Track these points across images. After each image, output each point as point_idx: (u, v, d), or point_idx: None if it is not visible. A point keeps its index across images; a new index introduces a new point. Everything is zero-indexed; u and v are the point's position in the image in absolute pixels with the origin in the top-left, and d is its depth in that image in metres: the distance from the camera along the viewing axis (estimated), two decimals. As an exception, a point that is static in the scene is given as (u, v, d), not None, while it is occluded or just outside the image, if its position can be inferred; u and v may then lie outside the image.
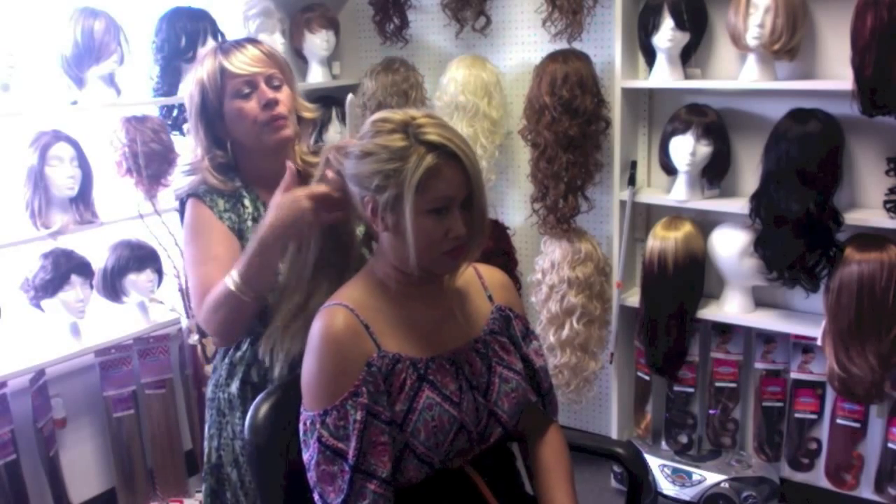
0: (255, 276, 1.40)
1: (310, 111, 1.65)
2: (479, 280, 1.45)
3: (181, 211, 1.60)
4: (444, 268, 1.31)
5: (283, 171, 1.59)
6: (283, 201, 1.38)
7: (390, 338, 1.29)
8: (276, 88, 1.55)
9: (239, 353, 1.61)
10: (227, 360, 1.63)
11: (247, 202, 1.58)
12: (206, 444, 1.70)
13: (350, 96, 1.69)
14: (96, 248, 2.49)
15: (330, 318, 1.27)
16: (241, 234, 1.55)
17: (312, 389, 1.26)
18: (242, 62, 1.52)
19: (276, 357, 1.40)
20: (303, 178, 1.63)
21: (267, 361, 1.42)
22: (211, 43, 2.61)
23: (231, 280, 1.40)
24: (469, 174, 1.23)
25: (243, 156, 1.60)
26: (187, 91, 1.57)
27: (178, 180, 1.65)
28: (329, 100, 3.11)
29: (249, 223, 1.56)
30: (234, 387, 1.61)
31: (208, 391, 1.69)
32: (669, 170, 2.55)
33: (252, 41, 1.59)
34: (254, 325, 1.56)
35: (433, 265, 1.28)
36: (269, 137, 1.54)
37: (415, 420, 1.26)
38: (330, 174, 1.35)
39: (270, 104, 1.52)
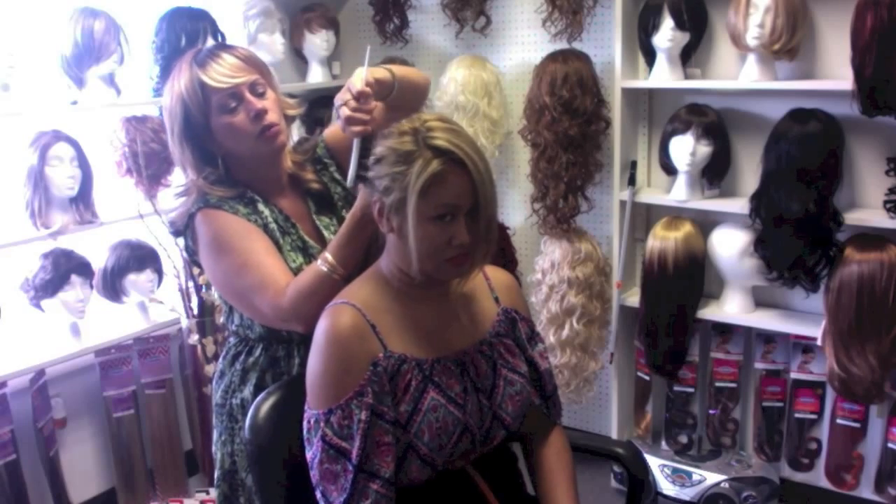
0: (350, 253, 1.40)
1: (293, 108, 1.60)
2: (485, 281, 1.45)
3: (184, 232, 1.53)
4: (446, 275, 1.30)
5: (274, 177, 1.57)
6: None
7: (396, 338, 1.29)
8: (261, 95, 1.49)
9: (252, 359, 1.59)
10: (237, 366, 1.60)
11: (261, 206, 1.53)
12: (216, 450, 1.66)
13: (369, 47, 1.54)
14: (96, 248, 2.49)
15: (336, 317, 1.27)
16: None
17: (317, 388, 1.26)
18: (222, 74, 1.44)
19: None
20: (292, 178, 1.62)
21: None
22: (211, 43, 2.61)
23: (325, 263, 1.39)
24: (476, 183, 1.22)
25: (238, 166, 1.54)
26: (166, 105, 1.50)
27: (172, 203, 1.58)
28: (329, 100, 3.11)
29: (273, 225, 1.52)
30: (248, 391, 1.58)
31: (217, 397, 1.64)
32: (669, 170, 2.55)
33: (226, 47, 1.51)
34: (270, 330, 1.54)
35: (435, 271, 1.27)
36: (265, 148, 1.50)
37: (419, 421, 1.26)
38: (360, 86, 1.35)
39: (260, 115, 1.47)
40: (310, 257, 1.52)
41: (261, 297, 1.43)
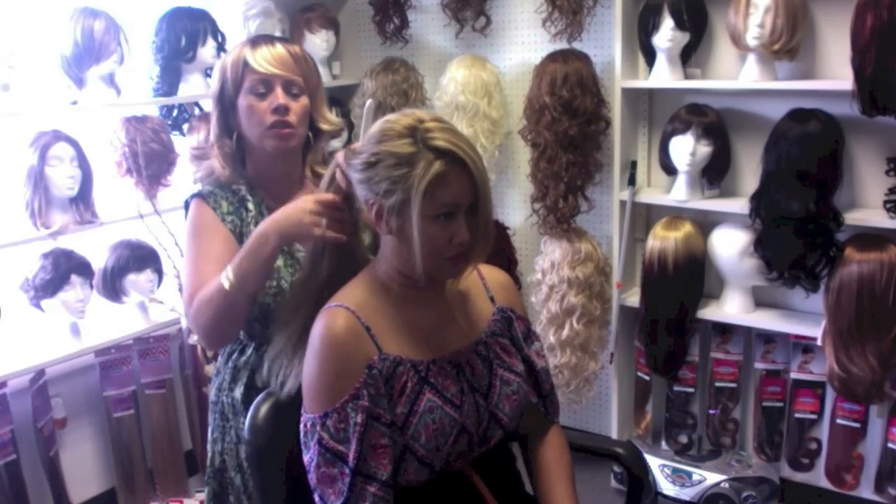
0: (249, 274, 1.38)
1: (330, 124, 1.63)
2: (481, 281, 1.45)
3: (187, 209, 1.59)
4: (446, 273, 1.31)
5: (285, 176, 1.60)
6: (290, 205, 1.37)
7: (391, 340, 1.29)
8: (294, 96, 1.53)
9: (243, 358, 1.60)
10: (230, 365, 1.62)
11: (250, 205, 1.56)
12: (209, 447, 1.68)
13: (370, 101, 1.59)
14: (96, 248, 2.49)
15: (331, 320, 1.26)
16: (241, 238, 1.53)
17: (313, 392, 1.25)
18: (265, 60, 1.50)
19: (284, 375, 1.36)
20: (308, 186, 1.63)
21: (272, 383, 1.37)
22: (211, 43, 2.61)
23: (226, 277, 1.38)
24: (476, 181, 1.23)
25: (248, 153, 1.59)
26: (215, 69, 1.59)
27: (194, 168, 1.66)
28: (329, 100, 3.11)
29: (252, 227, 1.53)
30: (238, 392, 1.60)
31: (211, 394, 1.67)
32: (669, 170, 2.55)
33: (285, 41, 1.57)
34: (257, 329, 1.56)
35: (436, 270, 1.27)
36: (271, 143, 1.53)
37: (416, 423, 1.26)
38: (339, 176, 1.34)
39: (280, 110, 1.50)
40: (294, 260, 1.56)
41: (184, 296, 1.49)
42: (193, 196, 1.56)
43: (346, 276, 1.36)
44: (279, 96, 1.51)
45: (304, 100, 1.55)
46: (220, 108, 1.56)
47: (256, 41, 1.54)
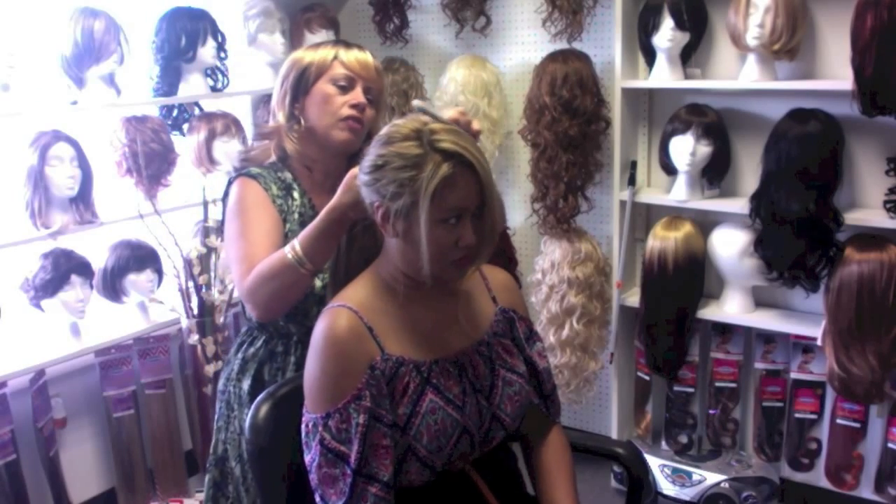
0: (319, 248, 1.39)
1: None
2: (483, 281, 1.45)
3: (228, 186, 1.61)
4: (450, 275, 1.30)
5: (329, 175, 1.62)
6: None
7: (394, 340, 1.29)
8: (369, 102, 1.58)
9: (252, 350, 1.62)
10: (240, 355, 1.64)
11: (296, 194, 1.59)
12: (214, 434, 1.71)
13: (416, 102, 1.58)
14: (96, 248, 2.49)
15: (333, 320, 1.26)
16: (286, 223, 1.56)
17: (315, 392, 1.25)
18: (357, 60, 1.57)
19: None
20: None
21: None
22: (211, 43, 2.62)
23: (292, 251, 1.39)
24: (483, 183, 1.23)
25: (301, 142, 1.60)
26: (290, 60, 1.60)
27: (247, 147, 1.67)
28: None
29: (296, 216, 1.57)
30: (246, 384, 1.62)
31: (220, 383, 1.70)
32: (669, 170, 2.55)
33: (372, 56, 1.62)
34: (273, 323, 1.56)
35: (440, 272, 1.27)
36: (338, 134, 1.55)
37: (418, 423, 1.26)
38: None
39: (359, 107, 1.55)
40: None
41: (237, 268, 1.48)
42: (239, 175, 1.58)
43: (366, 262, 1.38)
44: (360, 95, 1.56)
45: (373, 110, 1.60)
46: (293, 94, 1.57)
47: (348, 44, 1.60)
